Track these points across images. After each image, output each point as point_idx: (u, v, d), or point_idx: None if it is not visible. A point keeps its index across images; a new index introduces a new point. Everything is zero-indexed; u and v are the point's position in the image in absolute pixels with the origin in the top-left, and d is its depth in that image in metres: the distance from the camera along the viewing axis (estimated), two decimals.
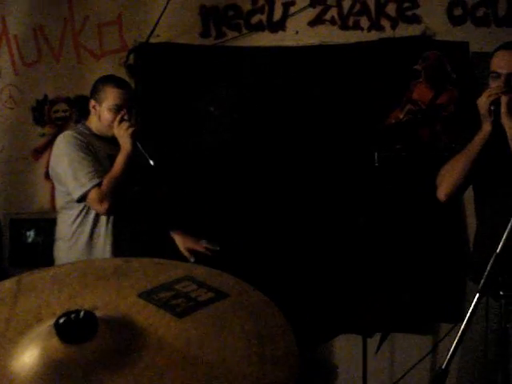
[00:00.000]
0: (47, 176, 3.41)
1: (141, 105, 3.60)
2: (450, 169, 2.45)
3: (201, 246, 3.01)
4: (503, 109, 2.22)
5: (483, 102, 2.28)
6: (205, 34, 3.67)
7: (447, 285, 3.37)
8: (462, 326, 1.58)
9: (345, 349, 3.65)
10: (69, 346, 0.90)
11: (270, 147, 3.56)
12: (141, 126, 3.61)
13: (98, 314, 0.96)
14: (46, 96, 3.70)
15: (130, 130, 2.72)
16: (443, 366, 1.59)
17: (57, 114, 3.70)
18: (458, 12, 3.49)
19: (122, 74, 3.63)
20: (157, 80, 3.66)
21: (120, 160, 2.72)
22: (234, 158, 3.58)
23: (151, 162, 2.71)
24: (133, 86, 3.63)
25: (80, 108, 3.59)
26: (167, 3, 3.56)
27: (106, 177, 2.71)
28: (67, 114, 3.69)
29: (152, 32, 3.63)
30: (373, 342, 3.55)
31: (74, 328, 0.91)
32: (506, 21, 3.44)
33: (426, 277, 3.44)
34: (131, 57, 3.68)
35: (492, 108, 2.24)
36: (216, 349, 0.93)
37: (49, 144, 3.51)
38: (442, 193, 2.47)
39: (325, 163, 3.52)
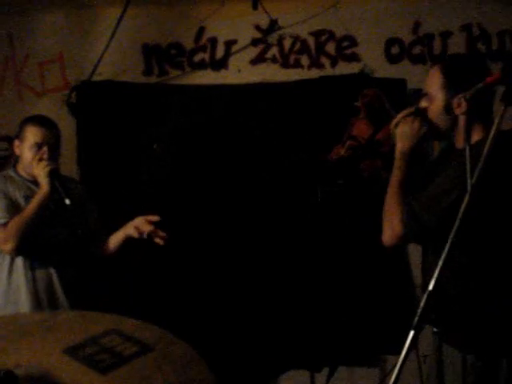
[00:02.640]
0: None
1: (83, 143, 3.56)
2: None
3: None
4: (397, 129, 2.09)
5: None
6: (147, 72, 3.68)
7: (393, 318, 3.40)
8: (399, 364, 1.58)
9: None
10: None
11: (213, 184, 3.56)
12: (82, 165, 3.62)
13: (19, 372, 0.93)
14: None
15: (47, 168, 2.59)
16: None
17: None
18: (395, 50, 3.61)
19: (65, 112, 3.62)
20: (99, 118, 3.63)
21: (34, 200, 2.59)
22: (178, 195, 3.57)
23: (67, 202, 2.57)
24: (75, 124, 3.63)
25: None
26: (109, 41, 3.56)
27: (16, 216, 2.57)
28: (7, 153, 3.63)
29: (94, 70, 3.62)
30: (321, 377, 3.57)
31: None
32: (441, 58, 3.56)
33: (371, 311, 3.47)
34: (73, 95, 3.66)
35: (396, 130, 2.09)
36: None
37: None
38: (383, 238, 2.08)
39: (266, 197, 3.55)
